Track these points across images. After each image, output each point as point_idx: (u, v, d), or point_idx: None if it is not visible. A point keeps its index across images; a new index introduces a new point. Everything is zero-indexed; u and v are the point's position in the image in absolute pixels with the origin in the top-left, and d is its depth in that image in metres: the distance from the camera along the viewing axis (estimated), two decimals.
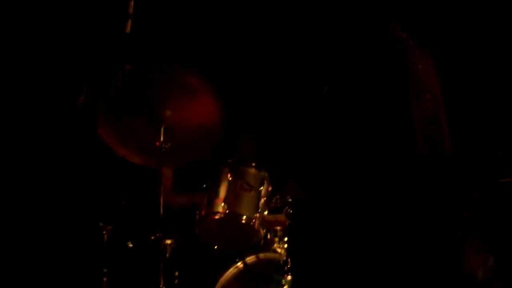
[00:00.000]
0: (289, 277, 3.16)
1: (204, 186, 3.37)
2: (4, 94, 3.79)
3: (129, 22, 3.16)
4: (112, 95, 3.17)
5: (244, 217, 3.22)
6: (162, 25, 3.78)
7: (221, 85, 3.24)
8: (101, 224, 3.44)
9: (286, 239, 3.36)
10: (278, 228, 3.45)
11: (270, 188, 3.40)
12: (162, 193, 3.17)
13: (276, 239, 3.44)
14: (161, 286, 3.14)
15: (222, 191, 3.27)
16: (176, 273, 3.46)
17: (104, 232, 3.41)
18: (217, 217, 3.23)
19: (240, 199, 3.25)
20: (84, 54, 3.67)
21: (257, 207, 3.26)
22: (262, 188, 3.32)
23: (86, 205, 3.71)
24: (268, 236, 3.43)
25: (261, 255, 3.42)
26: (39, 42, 3.77)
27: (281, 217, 3.35)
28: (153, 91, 3.18)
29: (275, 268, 3.28)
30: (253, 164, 3.35)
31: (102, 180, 3.76)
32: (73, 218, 3.80)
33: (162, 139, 3.16)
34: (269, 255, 3.41)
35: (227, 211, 3.21)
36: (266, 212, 3.35)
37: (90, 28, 3.67)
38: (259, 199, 3.29)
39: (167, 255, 3.41)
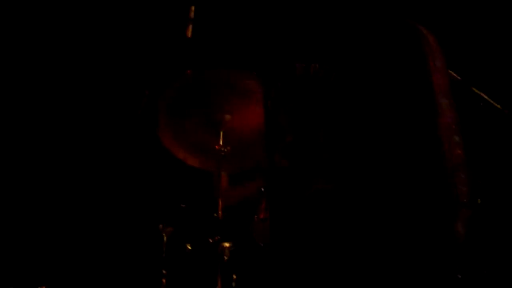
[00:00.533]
0: None
1: (262, 189, 3.38)
2: (69, 97, 3.89)
3: (190, 27, 3.19)
4: (173, 99, 3.22)
5: None
6: (223, 29, 3.81)
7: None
8: (160, 226, 3.48)
9: None
10: None
11: None
12: (219, 196, 3.19)
13: None
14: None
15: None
16: (234, 276, 3.47)
17: (164, 234, 3.46)
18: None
19: None
20: (146, 59, 3.73)
21: None
22: None
23: (146, 207, 3.77)
24: None
25: None
26: (102, 47, 3.86)
27: None
28: (212, 95, 3.20)
29: None
30: None
31: (162, 183, 3.81)
32: (134, 220, 3.87)
33: (221, 142, 3.18)
34: None
35: None
36: None
37: (151, 33, 3.73)
38: None
39: (225, 258, 3.43)
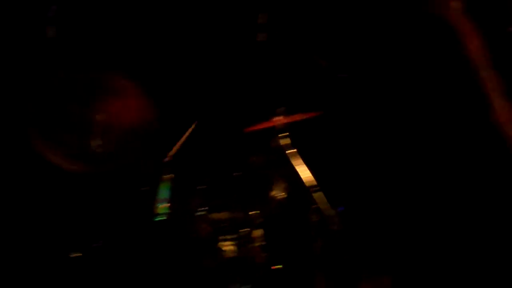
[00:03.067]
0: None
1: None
2: None
3: (52, 27, 3.09)
4: (42, 104, 3.10)
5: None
6: (86, 28, 3.71)
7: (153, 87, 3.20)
8: None
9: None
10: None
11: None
12: None
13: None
14: None
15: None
16: None
17: None
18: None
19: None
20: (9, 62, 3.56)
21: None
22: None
23: None
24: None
25: None
26: None
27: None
28: (83, 96, 3.11)
29: None
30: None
31: None
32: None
33: (96, 143, 3.09)
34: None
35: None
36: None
37: (16, 35, 3.56)
38: None
39: None
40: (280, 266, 3.37)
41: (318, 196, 3.38)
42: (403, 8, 3.41)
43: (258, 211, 3.44)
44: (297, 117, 3.53)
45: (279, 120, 3.51)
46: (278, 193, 3.51)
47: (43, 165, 3.24)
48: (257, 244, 3.43)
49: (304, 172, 3.40)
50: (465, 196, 3.82)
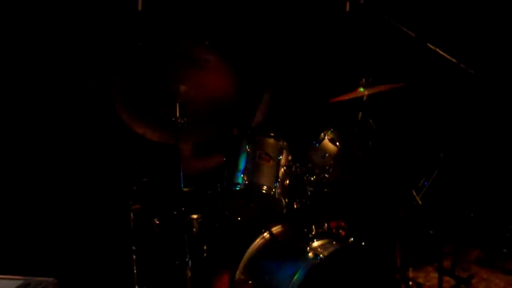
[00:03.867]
0: (314, 244, 3.18)
1: (224, 158, 3.38)
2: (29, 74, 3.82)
3: (140, 0, 3.14)
4: (127, 73, 3.17)
5: (265, 187, 3.21)
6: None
7: (235, 58, 3.21)
8: (130, 203, 3.48)
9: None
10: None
11: (290, 157, 3.39)
12: (182, 168, 3.18)
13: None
14: (187, 260, 3.15)
15: (241, 163, 3.27)
16: (205, 247, 3.48)
17: (132, 211, 3.45)
18: (237, 188, 3.23)
19: (259, 169, 3.25)
20: (97, 34, 3.68)
21: (277, 177, 3.26)
22: (281, 157, 3.31)
23: (111, 185, 3.75)
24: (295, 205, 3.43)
25: (288, 225, 3.43)
26: (53, 24, 3.79)
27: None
28: (166, 67, 3.16)
29: (301, 236, 3.30)
30: (272, 134, 3.34)
31: (126, 160, 3.79)
32: (100, 199, 3.86)
33: (178, 114, 3.15)
34: (295, 223, 3.41)
35: (247, 182, 3.20)
36: (287, 181, 3.35)
37: (102, 7, 3.67)
38: (278, 169, 3.28)
39: (194, 229, 3.44)
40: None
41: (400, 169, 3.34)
42: None
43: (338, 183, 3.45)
44: (382, 88, 3.48)
45: (363, 91, 3.47)
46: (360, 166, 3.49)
47: None
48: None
49: (385, 145, 3.36)
50: None
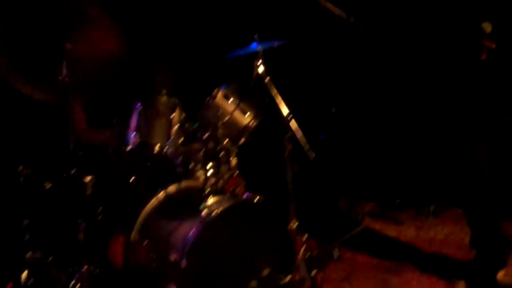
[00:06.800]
0: (209, 201, 3.18)
1: (115, 118, 3.31)
2: None
3: None
4: (7, 31, 3.01)
5: (157, 146, 3.18)
6: None
7: (124, 15, 3.12)
8: (20, 168, 3.35)
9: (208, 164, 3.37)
10: (198, 155, 3.42)
11: (183, 115, 3.36)
12: (72, 128, 3.08)
13: (196, 166, 3.41)
14: (79, 222, 3.08)
15: (133, 122, 3.21)
16: (99, 209, 3.42)
17: (21, 176, 3.33)
18: (129, 148, 3.18)
19: (151, 128, 3.21)
20: None
21: (169, 134, 3.22)
22: (173, 115, 3.28)
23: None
24: (190, 165, 3.41)
25: (183, 184, 3.41)
26: None
27: (196, 145, 3.34)
28: (50, 23, 3.03)
29: (197, 195, 3.29)
30: (164, 92, 3.29)
31: (14, 123, 3.65)
32: None
33: (64, 73, 3.04)
34: (191, 182, 3.40)
35: (138, 141, 3.16)
36: (181, 139, 3.32)
37: None
38: (171, 126, 3.24)
39: (88, 192, 3.36)
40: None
41: (293, 124, 3.36)
42: None
43: (232, 139, 3.45)
44: (273, 45, 3.49)
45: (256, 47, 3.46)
46: (253, 121, 3.49)
47: None
48: (232, 173, 3.46)
49: (279, 100, 3.37)
50: None
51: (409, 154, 4.59)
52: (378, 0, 4.20)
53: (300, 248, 3.24)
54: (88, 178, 3.36)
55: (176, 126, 3.28)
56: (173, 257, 2.95)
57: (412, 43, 4.08)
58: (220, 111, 3.39)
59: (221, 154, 3.38)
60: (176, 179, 3.39)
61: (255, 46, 3.40)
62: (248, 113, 3.47)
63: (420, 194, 4.54)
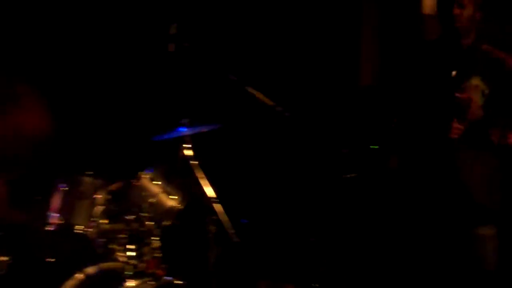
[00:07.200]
0: (129, 283, 3.14)
1: (39, 197, 3.26)
2: None
3: None
4: None
5: (78, 226, 3.13)
6: None
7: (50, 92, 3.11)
8: None
9: (131, 246, 3.33)
10: (121, 236, 3.39)
11: (109, 196, 3.34)
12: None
13: (118, 247, 3.37)
14: None
15: (56, 201, 3.16)
16: None
17: None
18: (50, 228, 3.11)
19: (73, 208, 3.17)
20: None
21: (91, 215, 3.19)
22: (98, 196, 3.26)
23: None
24: (110, 245, 3.37)
25: (102, 265, 3.35)
26: None
27: (119, 225, 3.32)
28: None
29: (116, 277, 3.23)
30: (89, 173, 3.28)
31: None
32: None
33: None
34: (111, 264, 3.35)
35: (59, 221, 3.10)
36: (105, 221, 3.29)
37: None
38: (94, 207, 3.21)
39: (2, 272, 3.24)
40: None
41: (218, 208, 3.40)
42: None
43: (157, 221, 3.44)
44: (201, 129, 3.55)
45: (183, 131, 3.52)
46: (178, 204, 3.51)
47: None
48: (155, 255, 3.43)
49: (205, 184, 3.40)
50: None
51: (330, 239, 4.68)
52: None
53: None
54: (3, 259, 3.26)
55: (100, 207, 3.25)
56: None
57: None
58: (145, 193, 3.40)
59: (144, 235, 3.37)
60: (96, 261, 3.33)
61: (182, 130, 3.46)
62: (173, 195, 3.49)
63: (339, 278, 4.60)
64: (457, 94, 3.21)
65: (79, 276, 3.25)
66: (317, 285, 4.66)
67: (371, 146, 4.64)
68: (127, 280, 3.16)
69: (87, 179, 3.27)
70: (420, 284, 3.88)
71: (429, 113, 3.46)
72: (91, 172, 3.29)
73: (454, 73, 3.28)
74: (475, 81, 3.25)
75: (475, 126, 3.22)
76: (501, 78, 3.20)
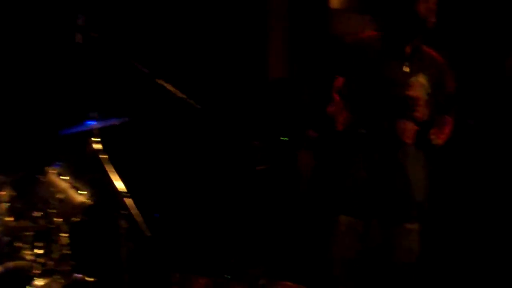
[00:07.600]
0: (37, 282, 3.05)
1: None
2: None
3: None
4: None
5: None
6: None
7: None
8: None
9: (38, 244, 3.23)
10: (28, 233, 3.28)
11: (14, 193, 3.22)
12: None
13: (24, 245, 3.26)
14: None
15: None
16: None
17: None
18: None
19: None
20: None
21: None
22: (3, 192, 3.14)
23: None
24: (15, 244, 3.25)
25: (8, 264, 3.23)
26: None
27: (25, 222, 3.21)
28: None
29: (23, 276, 3.13)
30: None
31: None
32: None
33: None
34: (17, 263, 3.23)
35: None
36: (11, 218, 3.18)
37: None
38: None
39: None
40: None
41: (129, 202, 3.34)
42: None
43: (65, 218, 3.35)
44: (110, 122, 3.48)
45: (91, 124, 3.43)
46: (88, 200, 3.43)
47: None
48: (63, 252, 3.34)
49: (115, 178, 3.34)
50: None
51: (240, 231, 4.72)
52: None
53: None
54: None
55: (5, 204, 3.13)
56: None
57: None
58: (53, 188, 3.30)
59: (52, 232, 3.27)
60: (1, 260, 3.21)
61: (91, 123, 3.38)
62: (82, 190, 3.41)
63: (251, 269, 4.64)
64: (407, 93, 3.10)
65: None
66: (229, 276, 4.69)
67: (281, 138, 4.72)
68: (35, 278, 3.06)
69: None
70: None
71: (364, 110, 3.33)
72: None
73: (407, 69, 3.19)
74: (421, 78, 3.18)
75: (421, 125, 3.16)
76: (437, 76, 3.21)
